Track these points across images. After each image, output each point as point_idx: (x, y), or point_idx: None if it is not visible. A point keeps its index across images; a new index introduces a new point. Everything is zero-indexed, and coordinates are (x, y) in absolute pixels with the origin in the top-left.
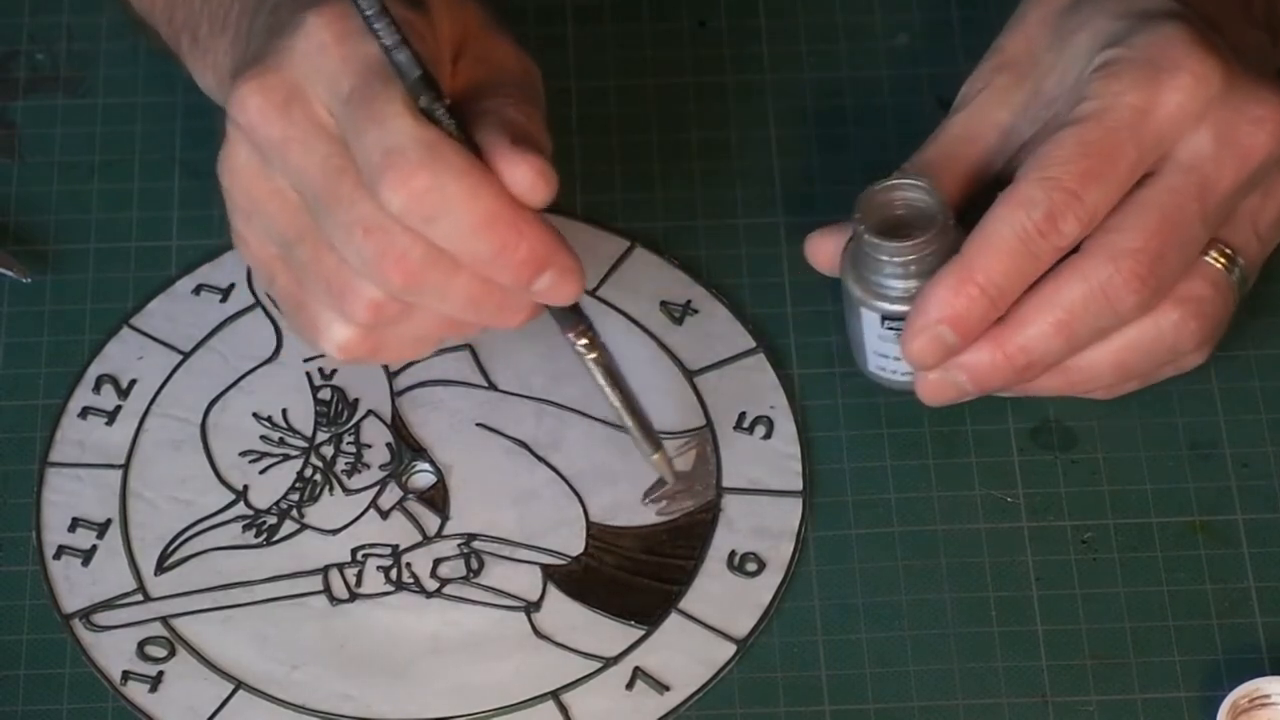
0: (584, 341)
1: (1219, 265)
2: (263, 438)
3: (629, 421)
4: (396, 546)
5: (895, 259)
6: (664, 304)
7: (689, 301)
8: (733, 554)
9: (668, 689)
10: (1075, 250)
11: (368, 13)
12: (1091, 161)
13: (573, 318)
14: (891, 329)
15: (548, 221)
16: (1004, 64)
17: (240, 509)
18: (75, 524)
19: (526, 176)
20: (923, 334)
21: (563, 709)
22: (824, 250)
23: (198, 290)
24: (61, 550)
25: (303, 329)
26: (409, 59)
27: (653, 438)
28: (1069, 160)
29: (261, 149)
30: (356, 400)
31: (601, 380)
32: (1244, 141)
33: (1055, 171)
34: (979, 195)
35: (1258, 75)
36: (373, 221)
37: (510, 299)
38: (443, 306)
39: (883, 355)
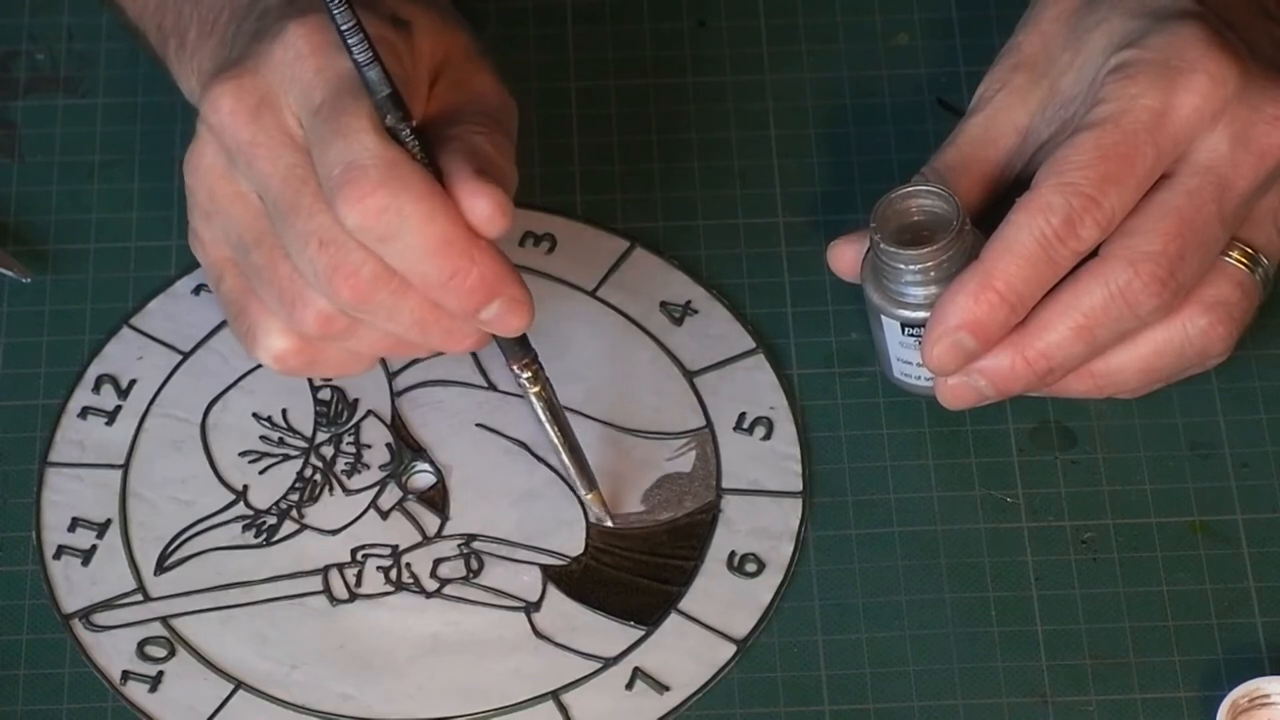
0: (528, 375)
1: (1241, 266)
2: (263, 438)
3: (566, 459)
4: (396, 547)
5: (913, 266)
6: (664, 304)
7: (689, 302)
8: (732, 554)
9: (667, 689)
10: (1094, 254)
11: (343, 27)
12: (1109, 166)
13: (518, 350)
14: (912, 336)
15: (501, 252)
16: (1020, 64)
17: (240, 509)
18: (75, 524)
19: (485, 208)
20: (942, 340)
21: (562, 709)
22: (846, 257)
23: (198, 290)
24: (61, 550)
25: (242, 334)
26: (380, 76)
27: (588, 477)
28: (1087, 165)
29: (229, 151)
30: (356, 400)
31: (542, 416)
32: (1261, 140)
33: (1073, 177)
34: (999, 197)
35: (1274, 73)
36: (328, 235)
37: (457, 325)
38: (389, 326)
39: (906, 362)
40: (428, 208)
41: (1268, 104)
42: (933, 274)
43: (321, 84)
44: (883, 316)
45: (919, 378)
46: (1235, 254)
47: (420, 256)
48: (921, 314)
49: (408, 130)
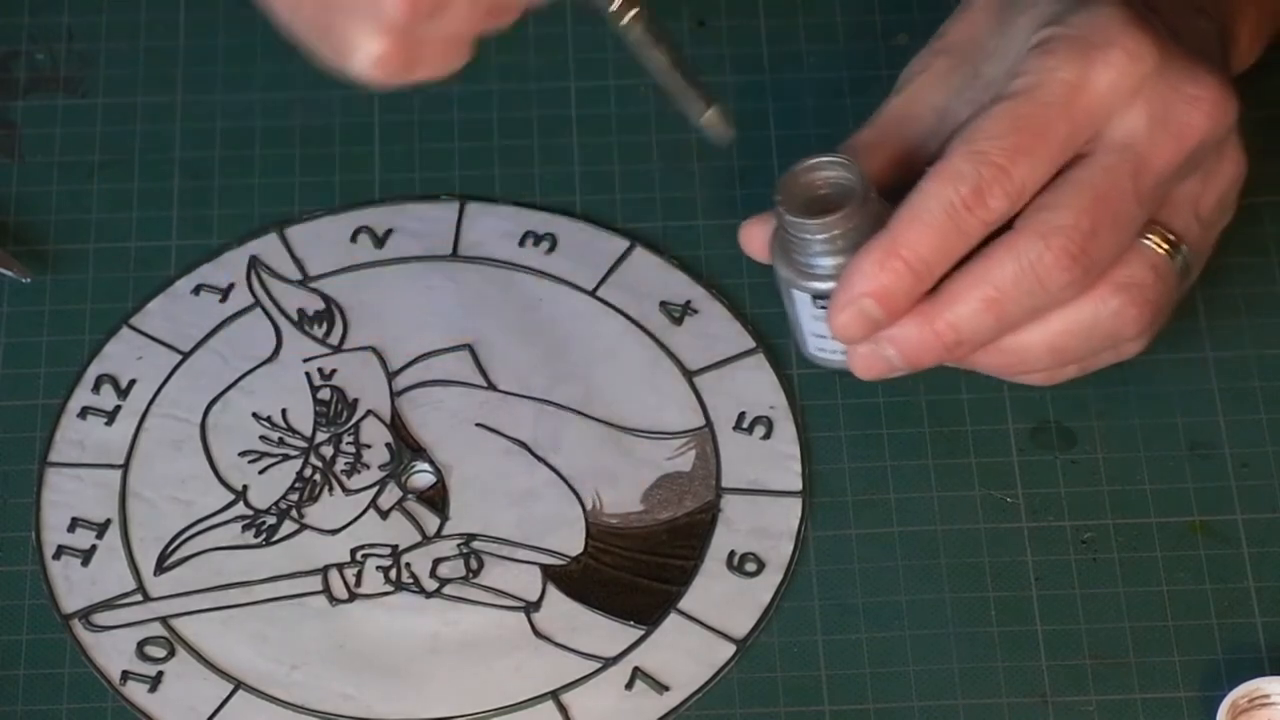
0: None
1: (1159, 250)
2: (262, 438)
3: (676, 79)
4: (396, 546)
5: (819, 235)
6: (664, 304)
7: (689, 302)
8: (732, 554)
9: (667, 689)
10: (1008, 228)
11: None
12: (1021, 137)
13: None
14: (823, 308)
15: None
16: (945, 48)
17: (240, 509)
18: (75, 524)
19: None
20: (848, 308)
21: (562, 709)
22: (757, 237)
23: (197, 290)
24: (61, 550)
25: (333, 54)
26: None
27: (702, 94)
28: (999, 135)
29: None
30: (356, 400)
31: (645, 38)
32: (1179, 120)
33: (984, 145)
34: (915, 175)
35: (1195, 56)
36: None
37: None
38: None
39: (819, 336)
40: None
41: (1187, 83)
42: (840, 243)
43: None
44: (793, 290)
45: (834, 352)
46: (1153, 237)
47: None
48: (829, 284)
49: None
